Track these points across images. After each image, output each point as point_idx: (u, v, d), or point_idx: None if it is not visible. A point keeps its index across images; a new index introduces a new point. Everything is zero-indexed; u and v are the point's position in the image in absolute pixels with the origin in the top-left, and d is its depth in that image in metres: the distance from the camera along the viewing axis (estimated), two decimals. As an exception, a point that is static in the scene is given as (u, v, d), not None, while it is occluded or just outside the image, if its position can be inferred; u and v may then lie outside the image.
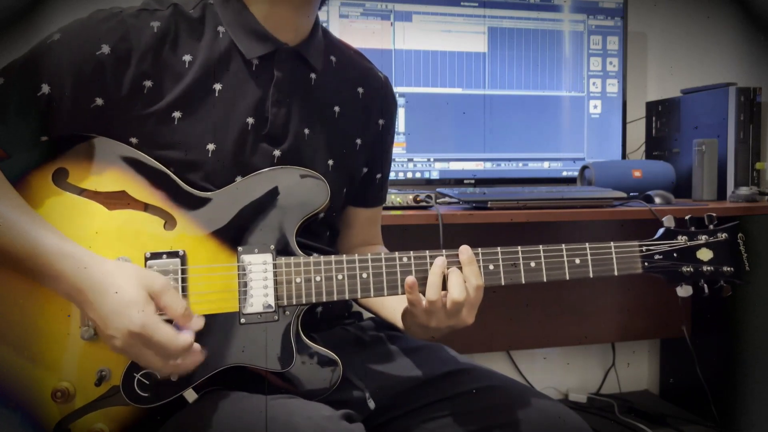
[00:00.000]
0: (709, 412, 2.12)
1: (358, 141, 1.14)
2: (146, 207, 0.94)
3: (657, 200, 1.81)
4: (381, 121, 1.17)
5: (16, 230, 0.86)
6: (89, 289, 0.84)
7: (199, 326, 0.88)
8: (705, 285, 1.04)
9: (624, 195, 1.78)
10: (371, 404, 1.04)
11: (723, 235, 1.04)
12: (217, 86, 0.98)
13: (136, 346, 0.84)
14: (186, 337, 0.85)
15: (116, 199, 0.94)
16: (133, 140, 0.95)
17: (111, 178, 0.94)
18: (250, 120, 1.00)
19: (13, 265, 0.87)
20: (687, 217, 1.05)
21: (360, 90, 1.14)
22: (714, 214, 1.05)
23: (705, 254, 1.03)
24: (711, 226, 1.05)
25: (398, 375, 1.08)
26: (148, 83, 0.95)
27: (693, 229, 1.05)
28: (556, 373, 2.40)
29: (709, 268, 1.03)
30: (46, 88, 0.90)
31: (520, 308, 2.17)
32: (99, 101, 0.93)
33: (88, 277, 0.85)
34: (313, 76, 1.07)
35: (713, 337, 2.16)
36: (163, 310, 0.86)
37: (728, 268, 1.03)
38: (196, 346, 0.87)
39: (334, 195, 1.00)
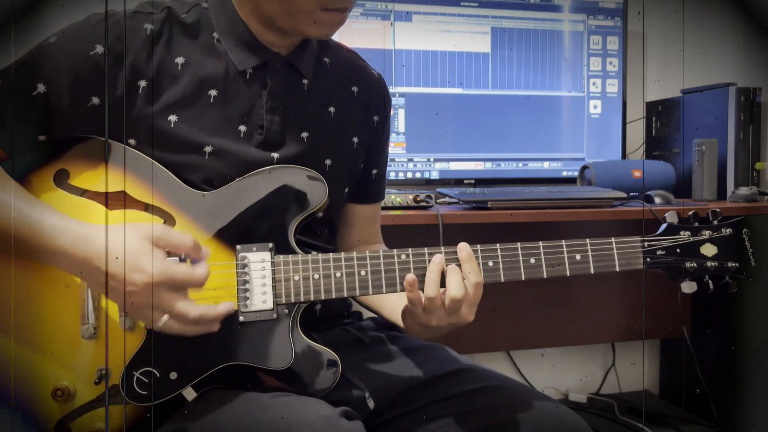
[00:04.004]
0: (709, 412, 2.12)
1: (356, 139, 1.14)
2: (146, 207, 0.95)
3: (657, 200, 1.81)
4: (376, 118, 1.18)
5: (15, 212, 0.87)
6: (96, 257, 0.86)
7: (209, 254, 0.90)
8: (710, 281, 1.02)
9: (624, 195, 1.78)
10: (371, 404, 1.04)
11: (727, 231, 1.03)
12: (213, 92, 0.99)
13: (160, 292, 0.85)
14: (203, 266, 0.88)
15: (117, 200, 0.94)
16: (132, 141, 0.96)
17: (112, 178, 0.95)
18: (245, 128, 1.01)
19: (15, 248, 0.88)
20: (690, 213, 1.04)
21: (354, 89, 1.15)
22: (718, 209, 1.04)
23: (709, 250, 1.02)
24: (715, 222, 1.03)
25: (398, 375, 1.08)
26: (142, 83, 0.96)
27: (696, 224, 1.03)
28: (556, 373, 2.40)
29: (713, 263, 1.02)
30: (42, 88, 0.92)
31: (520, 308, 2.17)
32: (95, 100, 0.94)
33: (91, 246, 0.86)
34: (305, 81, 1.07)
35: (713, 337, 2.16)
36: (172, 249, 0.88)
37: (733, 264, 1.02)
38: None
39: (333, 194, 1.00)
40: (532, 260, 0.99)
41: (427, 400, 1.05)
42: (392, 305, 1.10)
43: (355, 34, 1.96)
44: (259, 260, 0.95)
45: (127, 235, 0.86)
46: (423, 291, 0.95)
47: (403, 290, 0.95)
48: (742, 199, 1.87)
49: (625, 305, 2.29)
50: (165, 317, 0.87)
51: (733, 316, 2.03)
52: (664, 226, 1.03)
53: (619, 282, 2.28)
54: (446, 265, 0.96)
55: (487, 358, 2.27)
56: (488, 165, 2.11)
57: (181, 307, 0.86)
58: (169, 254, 0.88)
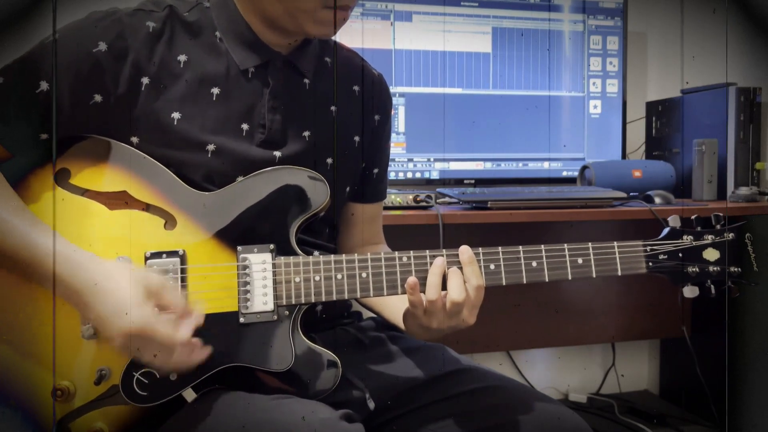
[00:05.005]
0: (709, 412, 2.12)
1: (357, 138, 1.14)
2: (147, 207, 0.95)
3: (657, 200, 1.81)
4: (377, 117, 1.18)
5: (14, 233, 0.87)
6: (86, 290, 0.86)
7: (199, 322, 0.89)
8: (712, 285, 1.02)
9: (624, 195, 1.78)
10: (371, 404, 1.04)
11: (730, 235, 1.02)
12: (215, 90, 0.99)
13: (137, 342, 0.85)
14: (185, 332, 0.87)
15: (117, 199, 0.94)
16: (134, 140, 0.96)
17: (112, 178, 0.95)
18: (247, 126, 1.01)
19: (10, 267, 0.88)
20: (693, 217, 1.04)
21: (356, 88, 1.15)
22: (721, 214, 1.04)
23: (711, 254, 1.02)
24: (717, 226, 1.03)
25: (398, 375, 1.08)
26: (145, 80, 0.96)
27: (699, 228, 1.03)
28: (556, 373, 2.40)
29: (715, 268, 1.02)
30: (44, 86, 0.92)
31: (520, 308, 2.17)
32: (98, 98, 0.94)
33: (84, 279, 0.86)
34: (306, 81, 1.07)
35: (713, 337, 2.16)
36: (162, 307, 0.87)
37: (735, 269, 1.02)
38: (197, 341, 0.89)
39: (335, 194, 1.00)
40: (534, 264, 0.98)
41: (427, 400, 1.05)
42: (393, 307, 1.10)
43: (355, 34, 1.96)
44: (260, 261, 0.95)
45: (125, 279, 0.86)
46: (424, 294, 0.95)
47: (404, 293, 0.95)
48: (742, 199, 1.87)
49: (625, 305, 2.29)
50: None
51: (733, 317, 2.03)
52: (666, 230, 1.03)
53: (620, 282, 2.28)
54: (448, 268, 0.96)
55: (487, 358, 2.27)
56: (488, 165, 2.11)
57: (153, 361, 0.87)
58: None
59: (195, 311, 0.90)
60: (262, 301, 0.94)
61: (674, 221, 1.03)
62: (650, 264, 1.01)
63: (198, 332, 0.90)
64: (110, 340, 0.85)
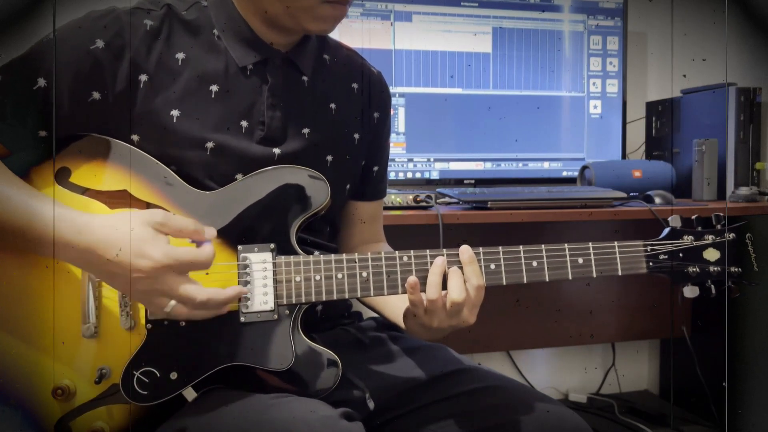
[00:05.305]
0: (709, 412, 2.12)
1: (356, 136, 1.15)
2: (148, 206, 0.95)
3: (657, 200, 1.81)
4: (376, 115, 1.18)
5: (13, 204, 0.87)
6: (96, 244, 0.85)
7: (213, 234, 0.90)
8: (712, 285, 1.02)
9: (624, 195, 1.78)
10: (371, 404, 1.04)
11: (731, 235, 1.03)
12: (214, 88, 1.00)
13: (167, 277, 0.85)
14: (208, 247, 0.88)
15: (118, 199, 0.94)
16: (135, 138, 0.97)
17: (113, 177, 0.95)
18: (246, 123, 1.01)
19: (14, 241, 0.88)
20: (693, 217, 1.04)
21: (355, 86, 1.15)
22: (722, 214, 1.04)
23: (712, 254, 1.02)
24: (718, 226, 1.03)
25: (399, 375, 1.08)
26: (143, 77, 0.96)
27: (699, 228, 1.03)
28: (556, 373, 2.40)
29: (716, 268, 1.02)
30: (42, 82, 0.92)
31: (520, 308, 2.17)
32: (96, 95, 0.94)
33: (91, 234, 0.86)
34: (305, 78, 1.08)
35: (713, 337, 2.16)
36: (175, 234, 0.87)
37: (736, 269, 1.02)
38: None
39: (335, 191, 1.00)
40: (535, 263, 0.98)
41: (427, 400, 1.05)
42: (394, 306, 1.10)
43: (354, 34, 1.96)
44: (260, 261, 0.95)
45: (130, 222, 0.86)
46: (425, 293, 0.95)
47: (404, 292, 0.95)
48: (742, 199, 1.87)
49: (625, 305, 2.29)
50: (172, 302, 0.86)
51: (733, 317, 2.03)
52: (667, 230, 1.03)
53: (620, 282, 2.28)
54: (448, 268, 0.96)
55: (487, 358, 2.27)
56: (488, 165, 2.11)
57: (187, 290, 0.86)
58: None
59: (207, 229, 0.89)
60: (262, 300, 0.94)
61: (675, 221, 1.03)
62: (650, 264, 1.01)
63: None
64: (138, 282, 0.85)
